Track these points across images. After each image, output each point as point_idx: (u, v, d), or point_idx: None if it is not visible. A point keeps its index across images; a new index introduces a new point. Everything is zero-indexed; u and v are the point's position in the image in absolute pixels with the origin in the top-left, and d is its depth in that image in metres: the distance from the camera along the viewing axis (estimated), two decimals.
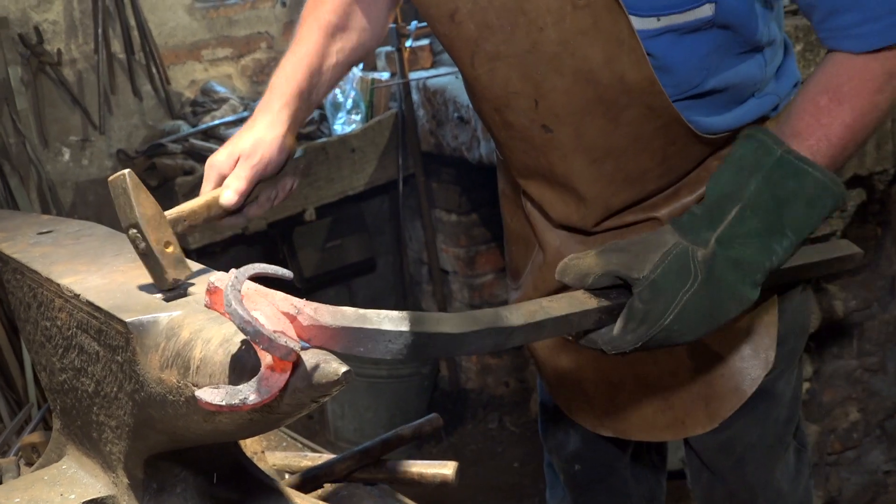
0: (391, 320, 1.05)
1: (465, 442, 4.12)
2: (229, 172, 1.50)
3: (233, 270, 0.95)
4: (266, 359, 0.89)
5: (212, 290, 0.96)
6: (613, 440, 1.91)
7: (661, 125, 1.50)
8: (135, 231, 1.25)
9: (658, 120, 1.49)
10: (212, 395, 0.89)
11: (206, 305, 0.98)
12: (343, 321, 1.00)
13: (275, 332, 0.89)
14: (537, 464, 2.70)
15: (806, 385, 3.12)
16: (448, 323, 1.13)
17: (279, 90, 1.61)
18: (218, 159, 1.51)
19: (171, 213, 1.35)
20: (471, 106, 3.79)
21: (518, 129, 1.60)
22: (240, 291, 0.91)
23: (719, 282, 1.30)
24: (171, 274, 1.22)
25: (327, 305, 1.01)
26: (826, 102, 1.36)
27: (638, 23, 1.40)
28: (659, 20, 1.41)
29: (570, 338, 1.36)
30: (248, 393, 0.89)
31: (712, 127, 1.54)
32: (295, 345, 0.88)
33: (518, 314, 1.21)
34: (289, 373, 0.89)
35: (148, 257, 1.24)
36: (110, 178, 1.29)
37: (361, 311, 1.03)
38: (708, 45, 1.46)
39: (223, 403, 0.88)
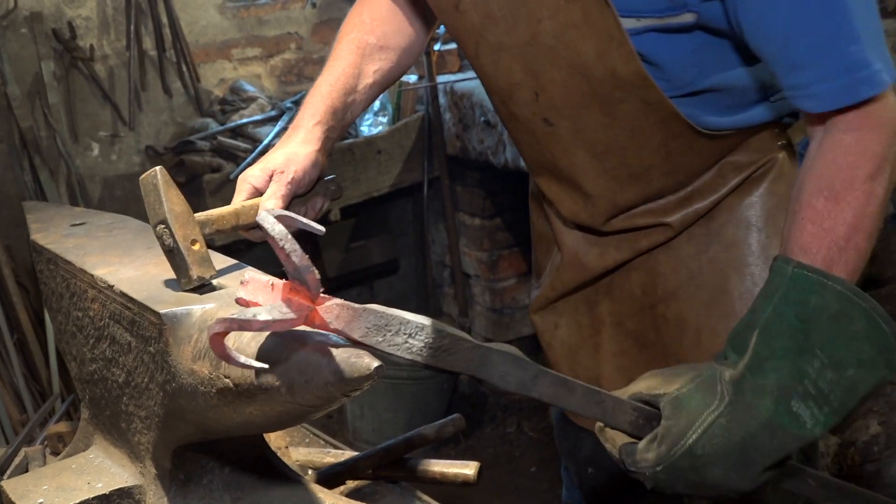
0: (415, 316, 1.04)
1: (483, 445, 4.12)
2: (262, 186, 1.50)
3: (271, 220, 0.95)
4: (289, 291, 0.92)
5: (246, 283, 0.98)
6: None
7: (658, 120, 1.49)
8: (163, 226, 1.26)
9: (655, 114, 1.48)
10: (222, 322, 0.89)
11: (236, 300, 0.99)
12: (368, 307, 1.00)
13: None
14: (555, 469, 2.70)
15: None
16: (473, 339, 1.11)
17: (312, 108, 1.62)
18: (251, 174, 1.51)
19: (199, 215, 1.36)
20: None
21: (522, 121, 1.61)
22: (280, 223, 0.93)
23: (749, 407, 1.19)
24: (196, 271, 1.22)
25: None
26: (823, 205, 1.29)
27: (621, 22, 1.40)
28: (639, 20, 1.41)
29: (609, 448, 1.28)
30: (262, 313, 0.90)
31: (717, 125, 1.53)
32: (319, 289, 0.90)
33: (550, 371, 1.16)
34: (304, 317, 0.92)
35: (174, 253, 1.25)
36: (142, 175, 1.30)
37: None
38: (694, 43, 1.44)
39: (235, 317, 0.89)
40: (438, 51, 4.22)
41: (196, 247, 1.25)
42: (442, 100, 4.21)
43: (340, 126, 1.65)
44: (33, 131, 3.68)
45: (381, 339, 1.01)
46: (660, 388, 1.24)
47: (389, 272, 4.72)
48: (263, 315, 0.89)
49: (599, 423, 1.28)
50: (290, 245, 0.90)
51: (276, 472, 1.34)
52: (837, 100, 1.29)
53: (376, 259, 4.52)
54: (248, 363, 0.91)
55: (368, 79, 1.69)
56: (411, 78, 4.35)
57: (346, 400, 0.96)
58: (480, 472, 1.63)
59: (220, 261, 1.33)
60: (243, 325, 0.88)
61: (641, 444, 1.23)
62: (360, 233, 4.43)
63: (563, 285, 1.77)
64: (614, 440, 1.27)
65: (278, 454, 1.43)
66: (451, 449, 4.01)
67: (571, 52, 1.45)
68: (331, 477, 1.62)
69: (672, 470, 1.21)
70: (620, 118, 1.49)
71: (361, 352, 0.92)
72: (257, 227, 1.50)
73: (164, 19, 4.03)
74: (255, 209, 1.48)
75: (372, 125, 4.27)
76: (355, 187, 4.10)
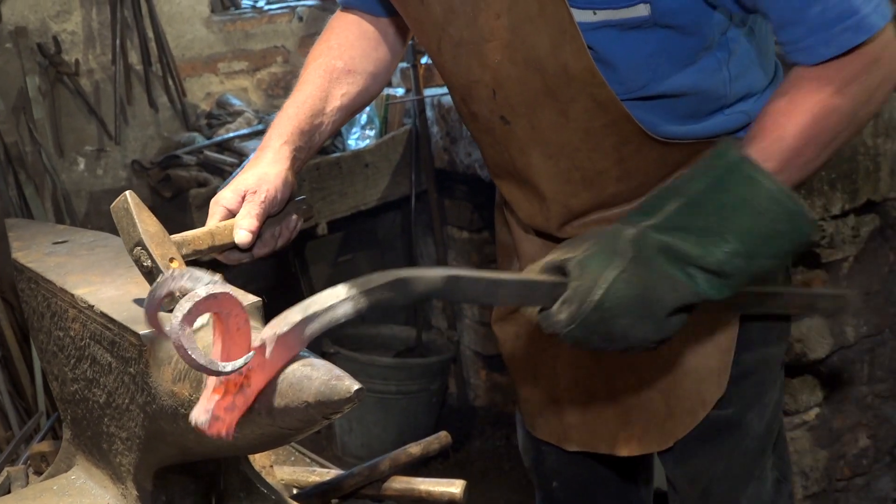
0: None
1: (472, 459, 4.11)
2: (235, 208, 1.50)
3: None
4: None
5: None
6: (590, 458, 1.91)
7: (609, 121, 1.50)
8: (139, 248, 1.25)
9: (606, 115, 1.49)
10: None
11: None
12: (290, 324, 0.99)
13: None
14: None
15: (816, 410, 3.11)
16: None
17: (280, 129, 1.62)
18: (223, 196, 1.51)
19: (175, 237, 1.35)
20: None
21: (482, 120, 1.63)
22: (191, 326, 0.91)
23: (649, 262, 1.26)
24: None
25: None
26: (784, 105, 1.35)
27: (576, 14, 1.41)
28: (595, 14, 1.42)
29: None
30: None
31: (671, 133, 1.54)
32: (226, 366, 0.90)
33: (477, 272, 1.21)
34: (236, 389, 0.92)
35: (153, 274, 1.24)
36: (112, 204, 1.29)
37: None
38: (651, 44, 1.45)
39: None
40: (425, 64, 4.22)
41: (174, 265, 1.24)
42: (429, 113, 4.21)
43: (308, 147, 1.65)
44: (18, 146, 3.66)
45: (320, 326, 1.01)
46: (568, 254, 1.29)
47: None
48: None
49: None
50: (188, 343, 0.89)
51: (258, 493, 1.33)
52: (825, 51, 1.32)
53: (364, 273, 4.48)
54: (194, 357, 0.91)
55: (336, 102, 1.70)
56: (398, 91, 4.35)
57: (327, 422, 0.95)
58: (467, 490, 1.62)
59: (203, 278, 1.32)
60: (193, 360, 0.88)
61: (555, 306, 1.28)
62: (347, 247, 4.42)
63: None
64: (533, 313, 1.33)
65: (263, 473, 1.42)
66: (440, 463, 3.99)
67: (527, 47, 1.46)
68: (316, 496, 1.61)
69: (584, 325, 1.27)
70: (573, 118, 1.51)
71: (342, 374, 0.92)
72: (232, 248, 1.49)
73: (150, 33, 4.02)
74: (230, 229, 1.47)
75: (359, 139, 4.26)
76: (342, 201, 4.09)
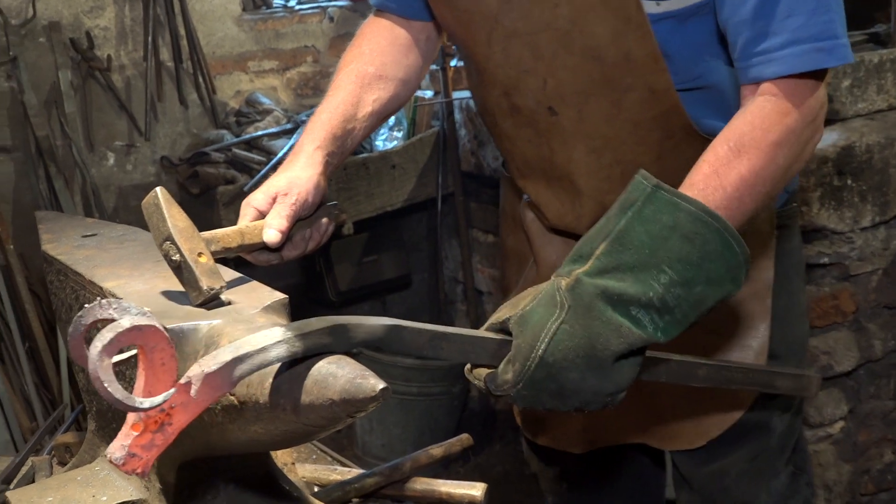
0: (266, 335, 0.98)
1: (492, 462, 4.10)
2: (266, 209, 1.51)
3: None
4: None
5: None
6: (599, 461, 1.90)
7: (660, 113, 1.52)
8: (168, 243, 1.25)
9: (658, 106, 1.51)
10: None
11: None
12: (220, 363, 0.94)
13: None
14: None
15: (840, 424, 3.08)
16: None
17: (313, 134, 1.64)
18: (255, 198, 1.53)
19: (205, 234, 1.35)
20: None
21: (525, 113, 1.63)
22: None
23: (590, 310, 1.20)
24: (206, 283, 1.22)
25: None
26: (725, 152, 1.35)
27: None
28: (659, 4, 1.45)
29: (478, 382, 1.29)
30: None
31: (712, 129, 1.54)
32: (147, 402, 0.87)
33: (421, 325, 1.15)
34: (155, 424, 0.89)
35: (181, 269, 1.24)
36: (143, 200, 1.30)
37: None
38: (705, 33, 1.48)
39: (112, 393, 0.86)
40: (454, 66, 4.22)
41: (203, 259, 1.25)
42: (457, 115, 4.21)
43: (340, 153, 1.67)
44: (49, 140, 3.69)
45: (249, 368, 0.95)
46: (508, 313, 1.25)
47: (402, 287, 4.71)
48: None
49: (468, 366, 1.28)
50: (105, 375, 0.85)
51: (280, 490, 1.33)
52: (799, 63, 1.36)
53: (389, 274, 4.51)
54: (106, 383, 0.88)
55: (368, 107, 1.72)
56: (427, 93, 4.36)
57: (352, 421, 0.95)
58: (488, 493, 1.62)
59: (227, 274, 1.33)
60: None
61: (500, 367, 1.23)
62: (372, 247, 4.43)
63: None
64: (480, 374, 1.27)
65: (284, 470, 1.43)
66: (461, 466, 3.99)
67: (586, 36, 1.48)
68: (337, 495, 1.61)
69: (531, 384, 1.21)
70: (624, 108, 1.52)
71: (368, 372, 0.92)
72: (262, 248, 1.50)
73: (182, 31, 4.04)
74: (260, 230, 1.48)
75: (387, 140, 4.27)
76: (369, 202, 4.09)
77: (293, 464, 1.62)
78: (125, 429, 0.89)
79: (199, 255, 1.25)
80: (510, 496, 3.82)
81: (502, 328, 1.26)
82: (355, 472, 1.68)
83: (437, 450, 1.73)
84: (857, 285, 2.97)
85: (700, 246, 1.22)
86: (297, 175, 1.55)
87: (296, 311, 1.22)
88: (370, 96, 1.73)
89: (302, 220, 1.56)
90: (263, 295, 1.25)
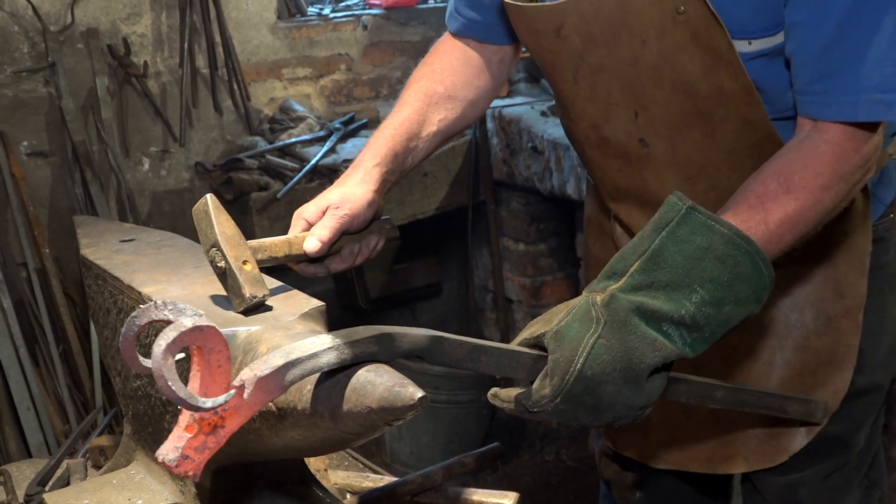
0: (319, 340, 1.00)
1: (520, 472, 4.09)
2: (316, 221, 1.52)
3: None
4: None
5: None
6: (674, 475, 1.89)
7: (755, 141, 1.51)
8: (215, 249, 1.27)
9: (754, 135, 1.50)
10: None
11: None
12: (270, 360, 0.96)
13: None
14: (593, 499, 2.67)
15: None
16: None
17: (374, 150, 1.64)
18: (306, 209, 1.54)
19: (252, 242, 1.37)
20: (545, 136, 3.81)
21: (614, 144, 1.62)
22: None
23: (626, 325, 1.23)
24: (249, 290, 1.23)
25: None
26: (774, 188, 1.36)
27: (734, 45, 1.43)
28: (751, 43, 1.44)
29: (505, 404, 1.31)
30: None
31: None
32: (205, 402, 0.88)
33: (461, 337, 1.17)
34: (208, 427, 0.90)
35: (226, 275, 1.26)
36: (194, 206, 1.31)
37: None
38: None
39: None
40: None
41: (248, 267, 1.26)
42: (490, 124, 4.22)
43: (400, 170, 1.67)
44: (86, 145, 3.73)
45: (301, 373, 0.97)
46: (541, 329, 1.27)
47: (432, 295, 4.72)
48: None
49: (492, 391, 1.31)
50: (169, 374, 0.86)
51: (314, 496, 1.34)
52: (858, 112, 1.36)
53: (419, 282, 4.52)
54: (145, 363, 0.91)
55: (433, 126, 1.72)
56: None
57: (389, 428, 0.95)
58: (519, 503, 1.62)
59: (269, 282, 1.34)
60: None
61: (535, 384, 1.25)
62: (403, 255, 4.43)
63: None
64: (508, 395, 1.29)
65: (317, 476, 1.43)
66: (489, 475, 3.98)
67: (676, 72, 1.47)
68: (369, 502, 1.61)
69: (569, 398, 1.23)
70: (719, 138, 1.52)
71: (406, 381, 0.92)
72: (307, 260, 1.51)
73: (218, 38, 4.07)
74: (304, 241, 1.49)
75: None
76: (400, 209, 4.11)
77: (325, 470, 1.62)
78: (178, 430, 0.90)
79: (244, 262, 1.26)
80: None
81: (536, 343, 1.27)
82: (387, 479, 1.68)
83: (469, 459, 1.73)
84: None
85: (731, 267, 1.26)
86: (350, 191, 1.56)
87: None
88: (437, 116, 1.73)
89: (351, 234, 1.56)
90: (301, 302, 1.25)
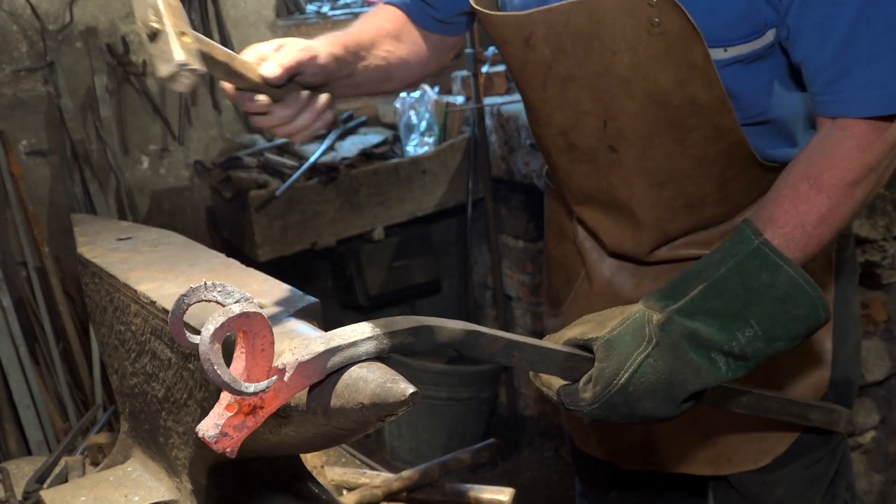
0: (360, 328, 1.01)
1: (520, 468, 4.10)
2: (271, 55, 1.43)
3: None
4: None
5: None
6: (649, 474, 1.89)
7: (724, 147, 1.51)
8: (151, 12, 1.14)
9: (723, 141, 1.51)
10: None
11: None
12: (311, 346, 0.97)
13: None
14: None
15: (871, 434, 3.06)
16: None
17: (328, 37, 1.62)
18: (262, 45, 1.45)
19: (194, 33, 1.22)
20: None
21: (583, 150, 1.62)
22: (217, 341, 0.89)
23: (676, 350, 1.27)
24: (180, 55, 1.12)
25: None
26: (805, 189, 1.38)
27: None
28: (726, 51, 1.45)
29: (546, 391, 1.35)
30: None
31: (772, 156, 1.56)
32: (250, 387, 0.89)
33: (497, 331, 1.18)
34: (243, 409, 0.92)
35: (157, 37, 1.13)
36: None
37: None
38: (771, 71, 1.49)
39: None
40: (486, 73, 4.23)
41: (186, 39, 1.15)
42: (488, 121, 4.22)
43: (349, 61, 1.62)
44: (84, 144, 3.73)
45: (341, 360, 0.98)
46: (592, 333, 1.30)
47: (431, 292, 4.72)
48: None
49: (534, 373, 1.35)
50: (216, 359, 0.87)
51: (309, 492, 1.34)
52: (882, 106, 1.36)
53: (419, 279, 4.52)
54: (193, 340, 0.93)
55: (379, 51, 1.72)
56: (458, 99, 4.36)
57: (382, 424, 0.96)
58: (515, 499, 1.62)
59: (258, 281, 1.34)
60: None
61: (580, 384, 1.29)
62: (403, 252, 4.44)
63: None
64: (550, 383, 1.34)
65: (313, 473, 1.44)
66: (488, 472, 3.99)
67: (649, 83, 1.47)
68: (366, 498, 1.62)
69: (607, 406, 1.28)
70: (689, 146, 1.52)
71: (398, 377, 0.92)
72: (252, 89, 1.38)
73: (217, 36, 4.07)
74: (251, 66, 1.36)
75: (418, 145, 4.28)
76: (400, 207, 4.11)
77: (322, 467, 1.63)
78: (218, 408, 0.92)
79: (182, 34, 1.15)
80: (537, 502, 3.81)
81: (584, 346, 1.31)
82: (384, 475, 1.69)
83: (465, 455, 1.74)
84: (889, 294, 2.95)
85: (790, 309, 1.28)
86: (309, 43, 1.49)
87: (325, 315, 1.24)
88: (383, 46, 1.73)
89: (304, 84, 1.45)
90: (295, 298, 1.26)
